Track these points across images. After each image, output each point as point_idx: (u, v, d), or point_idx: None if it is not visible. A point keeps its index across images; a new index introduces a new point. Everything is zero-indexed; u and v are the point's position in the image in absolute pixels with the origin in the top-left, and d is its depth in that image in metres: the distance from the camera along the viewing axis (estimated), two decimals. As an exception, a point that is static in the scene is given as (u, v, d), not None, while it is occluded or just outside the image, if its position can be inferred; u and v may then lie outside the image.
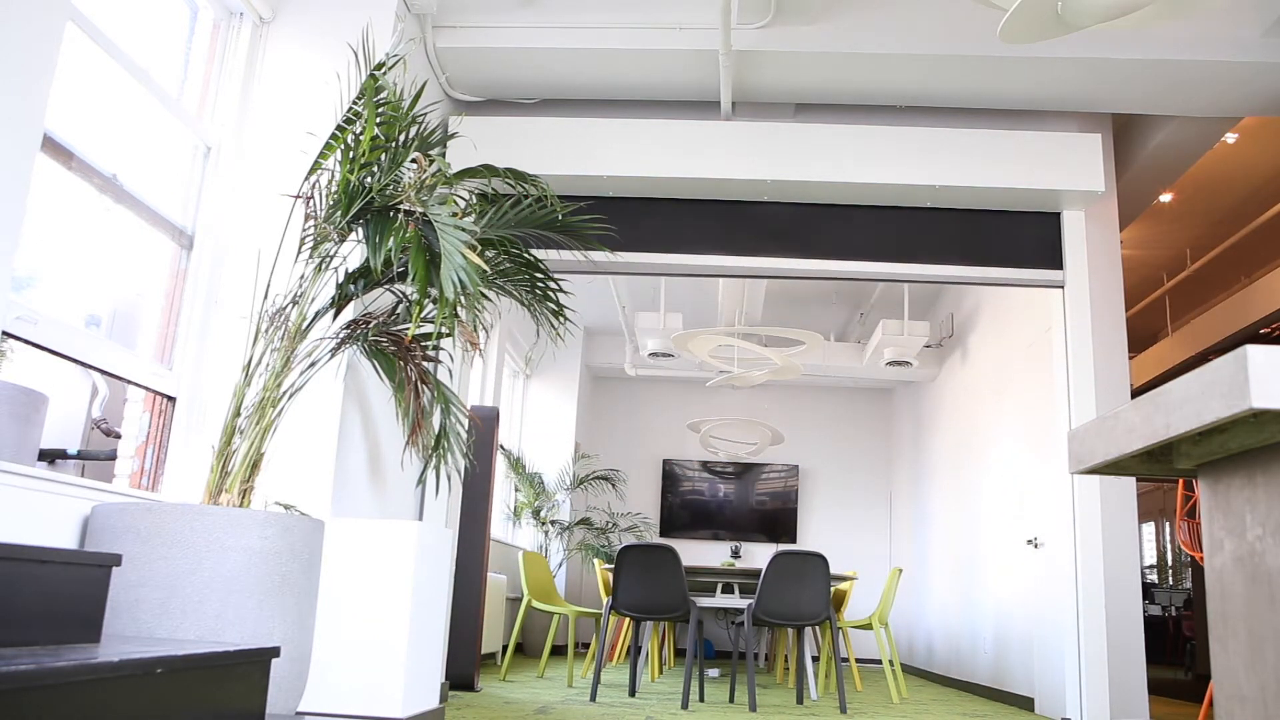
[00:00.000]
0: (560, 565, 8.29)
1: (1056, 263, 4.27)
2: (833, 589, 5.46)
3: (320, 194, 2.68)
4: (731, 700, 4.75)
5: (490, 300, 3.02)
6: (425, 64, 3.98)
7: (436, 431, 3.00)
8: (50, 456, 2.96)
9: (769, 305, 7.56)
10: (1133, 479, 4.37)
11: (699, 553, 9.10)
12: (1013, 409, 5.63)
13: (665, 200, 4.43)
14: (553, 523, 8.11)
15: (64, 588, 1.72)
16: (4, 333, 2.24)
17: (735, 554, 8.77)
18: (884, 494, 9.29)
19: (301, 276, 2.65)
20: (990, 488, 6.03)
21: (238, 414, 2.49)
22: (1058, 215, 4.33)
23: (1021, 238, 4.33)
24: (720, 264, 4.38)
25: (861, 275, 4.37)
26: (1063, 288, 4.26)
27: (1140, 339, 9.73)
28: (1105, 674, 3.78)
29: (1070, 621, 3.97)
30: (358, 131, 2.61)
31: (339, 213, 2.60)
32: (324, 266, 2.64)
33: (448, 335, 2.53)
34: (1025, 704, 5.02)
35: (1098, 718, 3.75)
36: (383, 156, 2.66)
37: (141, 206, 2.90)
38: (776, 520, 9.27)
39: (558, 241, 3.30)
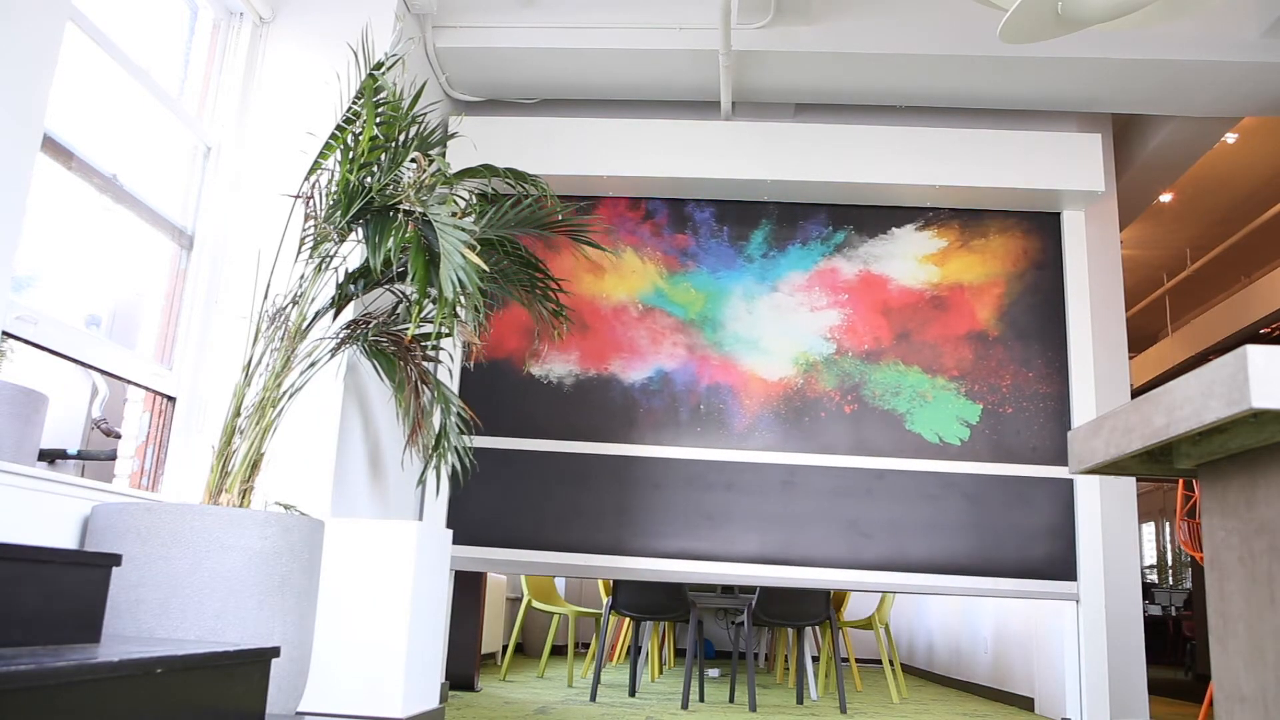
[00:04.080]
0: (560, 565, 8.28)
1: (1070, 574, 3.88)
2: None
3: (320, 194, 2.68)
4: (731, 700, 4.75)
5: (492, 301, 3.02)
6: (425, 64, 3.98)
7: (436, 431, 3.00)
8: (50, 456, 2.96)
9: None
10: (1133, 479, 4.37)
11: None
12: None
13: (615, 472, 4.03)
14: (553, 523, 8.10)
15: (64, 588, 1.72)
16: (4, 333, 2.23)
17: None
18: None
19: (301, 276, 2.65)
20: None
21: (238, 414, 2.49)
22: (1073, 531, 3.92)
23: (1034, 549, 3.91)
24: (695, 570, 4.00)
25: (861, 585, 3.96)
26: (1077, 601, 3.87)
27: (1140, 339, 9.74)
28: (1105, 674, 3.78)
29: (1070, 621, 3.96)
30: (357, 131, 2.61)
31: (339, 213, 2.60)
32: (324, 266, 2.64)
33: (448, 335, 2.54)
34: (1025, 704, 5.02)
35: (1098, 718, 3.75)
36: (382, 156, 2.66)
37: (141, 206, 2.90)
38: (776, 520, 9.25)
39: (558, 241, 3.30)
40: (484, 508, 4.06)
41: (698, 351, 4.21)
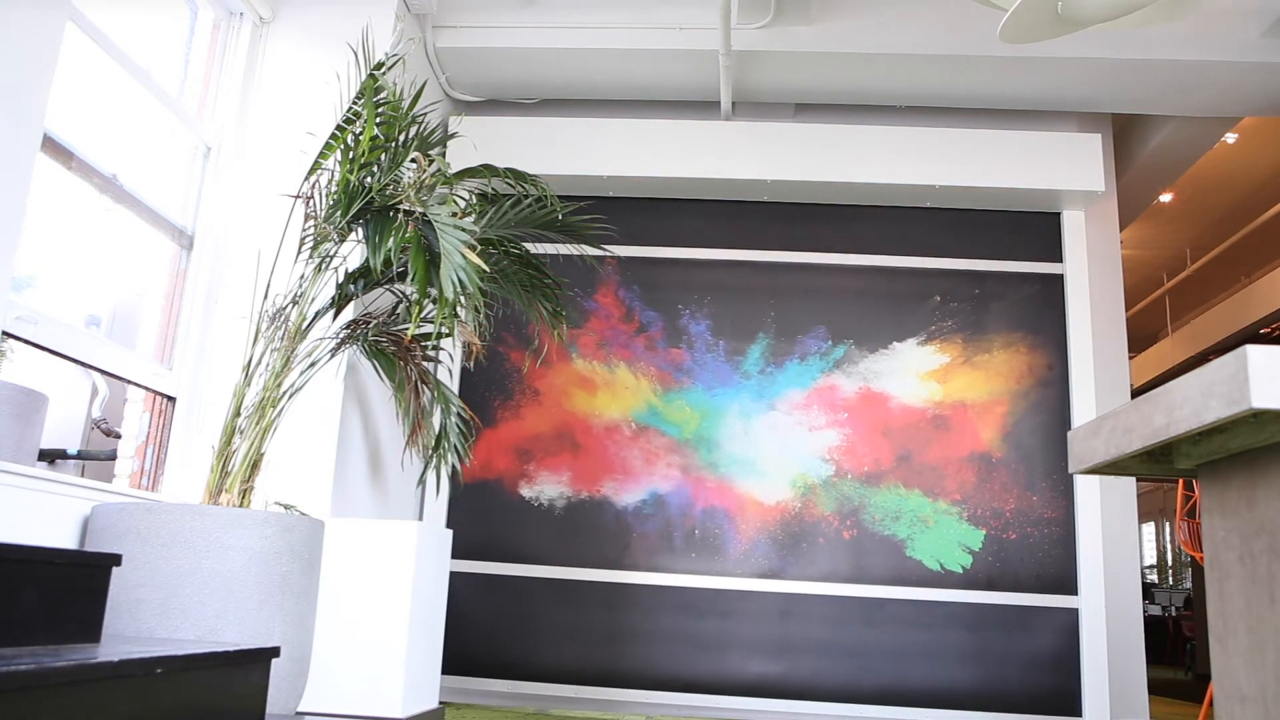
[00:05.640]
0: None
1: (1074, 708, 3.77)
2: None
3: (320, 194, 2.68)
4: (731, 700, 4.74)
5: (492, 301, 3.02)
6: (425, 64, 3.98)
7: (436, 431, 3.00)
8: (50, 456, 2.96)
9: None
10: (1133, 479, 4.36)
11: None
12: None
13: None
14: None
15: (64, 588, 1.72)
16: (4, 333, 2.24)
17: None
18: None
19: (301, 276, 2.66)
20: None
21: (238, 414, 2.49)
22: (1078, 663, 3.80)
23: (1039, 680, 3.79)
24: (689, 703, 3.83)
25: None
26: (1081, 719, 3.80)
27: (1140, 339, 9.74)
28: (1105, 674, 3.78)
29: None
30: (357, 131, 2.61)
31: (339, 213, 2.60)
32: (324, 266, 2.64)
33: (448, 335, 2.54)
34: (1025, 704, 5.02)
35: (1098, 718, 3.75)
36: (382, 156, 2.66)
37: (141, 206, 2.90)
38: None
39: (557, 240, 3.30)
40: (474, 634, 3.94)
41: (693, 473, 4.06)
